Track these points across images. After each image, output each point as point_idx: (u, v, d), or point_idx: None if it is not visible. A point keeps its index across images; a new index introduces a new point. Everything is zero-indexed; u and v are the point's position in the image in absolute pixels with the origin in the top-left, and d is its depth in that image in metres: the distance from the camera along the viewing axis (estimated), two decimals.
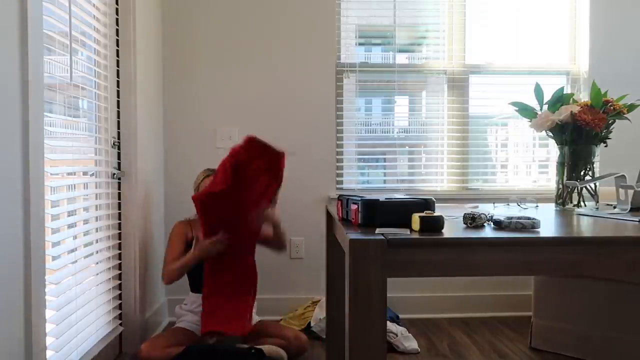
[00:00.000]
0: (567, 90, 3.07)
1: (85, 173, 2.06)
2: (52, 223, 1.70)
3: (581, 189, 1.79)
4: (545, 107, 1.92)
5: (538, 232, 1.14)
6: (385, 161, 3.09)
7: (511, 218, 1.20)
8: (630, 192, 1.64)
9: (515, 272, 1.10)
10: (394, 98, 3.07)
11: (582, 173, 1.81)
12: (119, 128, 2.30)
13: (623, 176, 1.70)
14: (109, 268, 2.20)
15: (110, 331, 2.20)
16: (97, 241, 2.11)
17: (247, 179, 2.04)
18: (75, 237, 1.90)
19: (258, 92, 2.93)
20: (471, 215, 1.24)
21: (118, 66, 2.28)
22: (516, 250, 1.09)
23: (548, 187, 3.10)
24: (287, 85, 2.94)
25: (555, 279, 2.38)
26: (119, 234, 2.31)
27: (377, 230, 1.15)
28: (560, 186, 1.85)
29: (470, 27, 3.04)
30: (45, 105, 1.55)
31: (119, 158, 2.31)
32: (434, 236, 1.09)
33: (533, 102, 1.94)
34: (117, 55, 2.28)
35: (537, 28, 3.07)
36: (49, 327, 1.61)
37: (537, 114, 1.90)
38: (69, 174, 1.95)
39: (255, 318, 2.40)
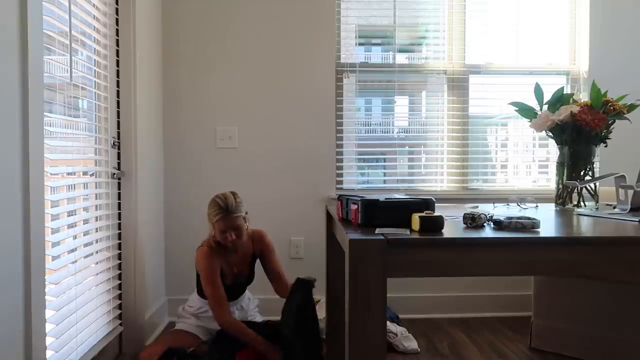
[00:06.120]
0: (567, 90, 3.07)
1: (85, 173, 2.06)
2: (52, 223, 1.70)
3: (581, 189, 1.79)
4: (545, 107, 1.92)
5: (538, 232, 1.14)
6: (385, 161, 3.09)
7: (511, 218, 1.20)
8: (630, 192, 1.64)
9: (515, 272, 1.10)
10: (394, 98, 3.07)
11: (582, 173, 1.81)
12: (119, 128, 2.30)
13: (623, 176, 1.70)
14: (109, 268, 2.20)
15: (110, 331, 2.20)
16: (97, 241, 2.11)
17: None
18: (75, 237, 1.90)
19: (258, 92, 2.93)
20: (471, 215, 1.24)
21: (118, 66, 2.28)
22: (516, 250, 1.09)
23: (548, 187, 3.10)
24: (287, 85, 2.94)
25: (555, 279, 2.38)
26: (119, 234, 2.31)
27: (377, 230, 1.15)
28: (560, 186, 1.85)
29: (470, 27, 3.04)
30: (45, 105, 1.55)
31: (119, 158, 2.31)
32: (434, 236, 1.09)
33: (533, 102, 1.94)
34: (117, 55, 2.28)
35: (537, 28, 3.07)
36: (49, 327, 1.61)
37: (537, 114, 1.90)
38: (68, 174, 1.95)
39: (258, 318, 2.40)
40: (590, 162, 1.81)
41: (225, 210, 2.15)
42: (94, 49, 2.10)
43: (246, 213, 2.26)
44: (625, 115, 1.83)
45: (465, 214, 1.26)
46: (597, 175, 1.81)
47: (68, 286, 1.81)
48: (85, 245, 1.99)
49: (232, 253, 2.28)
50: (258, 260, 2.38)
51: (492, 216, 1.27)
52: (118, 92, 2.29)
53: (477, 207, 1.83)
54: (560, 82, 3.08)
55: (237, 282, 2.32)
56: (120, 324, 2.31)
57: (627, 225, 1.29)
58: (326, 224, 1.92)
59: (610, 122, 1.81)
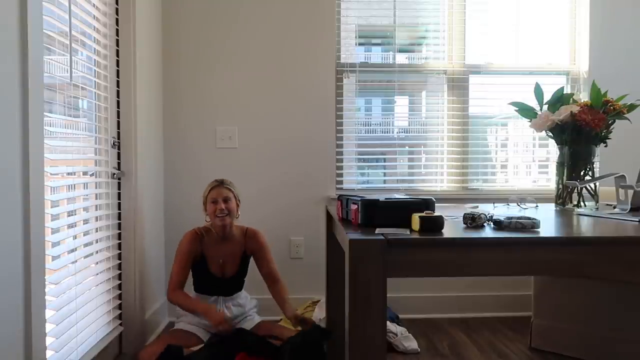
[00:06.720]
0: (567, 90, 3.07)
1: (85, 173, 2.06)
2: (52, 223, 1.70)
3: (581, 189, 1.79)
4: (545, 107, 1.92)
5: (538, 232, 1.14)
6: (385, 161, 3.09)
7: (511, 218, 1.20)
8: (630, 192, 1.64)
9: (515, 272, 1.10)
10: (394, 98, 3.07)
11: (582, 173, 1.81)
12: (119, 128, 2.30)
13: (623, 176, 1.70)
14: (109, 268, 2.20)
15: (110, 331, 2.20)
16: (97, 241, 2.11)
17: None
18: (75, 237, 1.90)
19: (258, 92, 2.93)
20: (471, 215, 1.24)
21: (118, 66, 2.28)
22: (516, 250, 1.09)
23: (548, 187, 3.10)
24: (287, 85, 2.94)
25: (555, 279, 2.38)
26: (119, 234, 2.30)
27: (377, 230, 1.15)
28: (560, 186, 1.85)
29: (470, 27, 3.04)
30: (45, 105, 1.55)
31: (119, 158, 2.31)
32: (434, 236, 1.09)
33: (533, 102, 1.94)
34: (117, 55, 2.28)
35: (537, 28, 3.07)
36: (49, 327, 1.61)
37: (537, 114, 1.90)
38: (68, 174, 1.95)
39: (257, 318, 2.40)
40: (590, 162, 1.81)
41: (219, 182, 2.32)
42: (94, 49, 2.10)
43: (239, 200, 2.36)
44: (625, 115, 1.83)
45: (465, 214, 1.26)
46: (597, 175, 1.81)
47: (68, 286, 1.80)
48: (85, 245, 1.99)
49: (220, 242, 2.32)
50: (253, 261, 2.39)
51: (492, 216, 1.27)
52: (118, 92, 2.29)
53: (477, 207, 1.83)
54: (560, 82, 3.08)
55: (227, 275, 2.33)
56: (120, 324, 2.31)
57: (627, 225, 1.29)
58: (326, 224, 1.92)
59: (610, 122, 1.81)
